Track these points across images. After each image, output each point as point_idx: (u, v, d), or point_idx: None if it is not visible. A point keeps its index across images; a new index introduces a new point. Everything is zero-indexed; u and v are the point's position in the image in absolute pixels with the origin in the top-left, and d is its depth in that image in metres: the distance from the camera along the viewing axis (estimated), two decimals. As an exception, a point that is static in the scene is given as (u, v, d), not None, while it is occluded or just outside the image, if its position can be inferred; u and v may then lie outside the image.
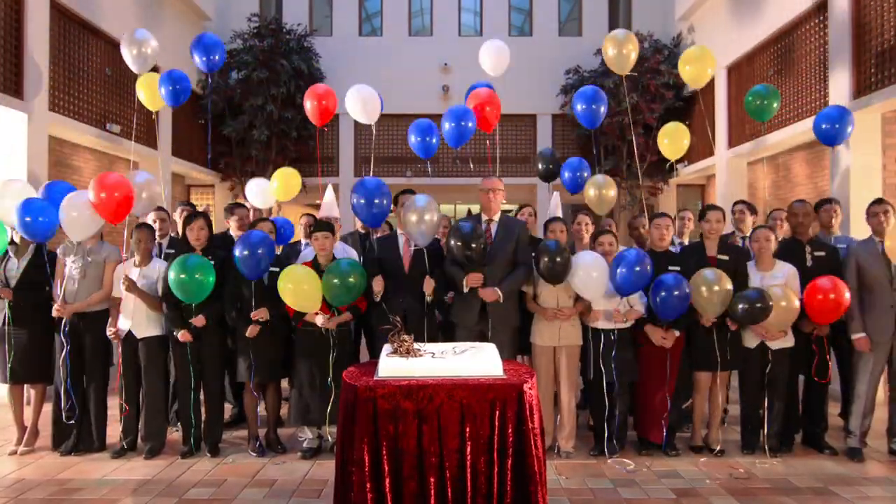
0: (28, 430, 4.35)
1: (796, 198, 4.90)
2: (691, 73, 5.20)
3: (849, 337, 4.13)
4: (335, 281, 3.77)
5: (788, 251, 4.28)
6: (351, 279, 3.79)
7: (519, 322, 4.17)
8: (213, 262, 4.13)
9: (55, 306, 4.12)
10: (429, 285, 3.98)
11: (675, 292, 3.80)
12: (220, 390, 4.43)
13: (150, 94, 5.21)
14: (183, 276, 3.82)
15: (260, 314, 4.03)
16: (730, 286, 3.84)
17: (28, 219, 3.94)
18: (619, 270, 3.87)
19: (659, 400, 4.11)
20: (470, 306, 4.04)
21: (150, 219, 4.66)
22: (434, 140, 5.02)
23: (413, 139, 5.02)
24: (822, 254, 4.25)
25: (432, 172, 10.88)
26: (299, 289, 3.78)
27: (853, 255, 4.18)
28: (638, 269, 3.83)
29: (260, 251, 3.93)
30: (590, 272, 3.91)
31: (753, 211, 5.15)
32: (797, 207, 4.37)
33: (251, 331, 4.04)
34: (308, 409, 4.06)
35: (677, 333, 4.05)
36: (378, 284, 4.01)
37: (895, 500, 3.45)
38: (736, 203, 5.17)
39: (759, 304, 3.77)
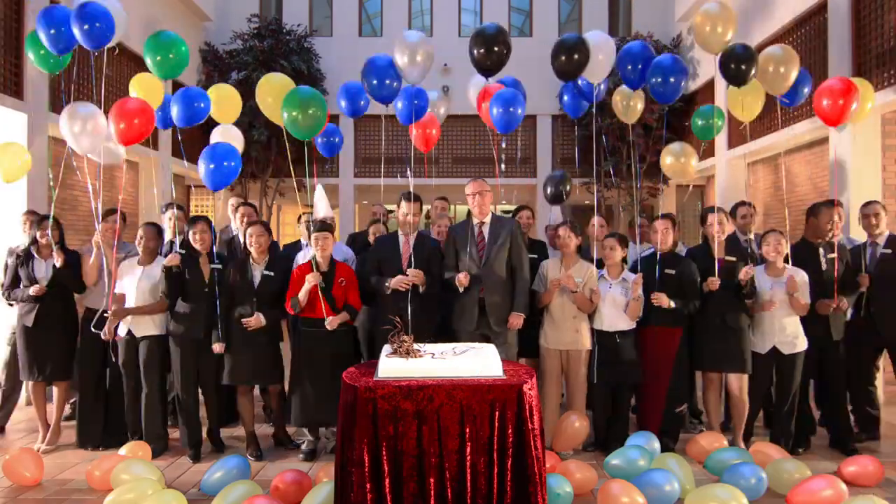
0: (51, 429, 4.37)
1: (797, 198, 4.88)
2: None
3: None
4: (295, 113, 3.95)
5: (802, 253, 4.25)
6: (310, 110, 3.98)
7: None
8: (218, 264, 4.17)
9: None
10: (418, 276, 3.94)
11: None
12: (220, 391, 4.41)
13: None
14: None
15: (251, 322, 4.01)
16: None
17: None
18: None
19: (658, 401, 4.11)
20: (467, 310, 4.01)
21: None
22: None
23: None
24: (834, 255, 4.17)
25: (433, 173, 10.89)
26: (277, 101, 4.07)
27: None
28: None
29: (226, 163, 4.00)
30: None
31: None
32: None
33: (256, 320, 4.01)
34: (316, 409, 4.01)
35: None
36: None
37: (895, 501, 3.45)
38: (741, 205, 4.97)
39: None
